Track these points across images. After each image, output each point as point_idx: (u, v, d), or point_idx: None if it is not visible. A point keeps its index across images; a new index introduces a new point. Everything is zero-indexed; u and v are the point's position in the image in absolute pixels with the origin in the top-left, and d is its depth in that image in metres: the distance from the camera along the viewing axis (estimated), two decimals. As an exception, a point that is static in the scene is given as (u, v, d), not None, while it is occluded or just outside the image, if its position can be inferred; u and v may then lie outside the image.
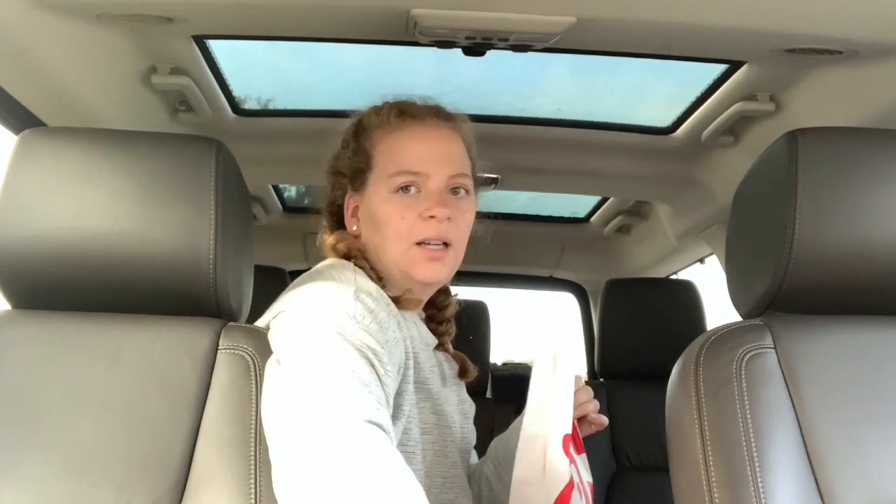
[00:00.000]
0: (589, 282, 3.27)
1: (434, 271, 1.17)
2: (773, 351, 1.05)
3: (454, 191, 1.19)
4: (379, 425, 0.93)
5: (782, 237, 1.04)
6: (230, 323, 1.09)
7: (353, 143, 1.24)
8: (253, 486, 0.95)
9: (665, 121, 1.89)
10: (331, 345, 0.99)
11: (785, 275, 1.05)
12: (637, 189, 2.33)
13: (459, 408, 1.29)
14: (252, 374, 1.02)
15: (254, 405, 1.00)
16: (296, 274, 3.20)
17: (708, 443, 1.00)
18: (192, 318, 1.08)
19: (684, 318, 2.34)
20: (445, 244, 1.17)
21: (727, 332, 1.07)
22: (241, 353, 1.04)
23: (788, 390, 1.03)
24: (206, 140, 1.09)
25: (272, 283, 2.33)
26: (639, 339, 2.33)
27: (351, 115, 1.29)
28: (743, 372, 1.03)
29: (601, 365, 2.40)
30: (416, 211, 1.16)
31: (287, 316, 1.05)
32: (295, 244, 2.79)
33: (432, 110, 1.23)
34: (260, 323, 1.12)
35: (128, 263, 1.04)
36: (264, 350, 1.04)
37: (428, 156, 1.18)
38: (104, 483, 0.97)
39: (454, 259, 1.20)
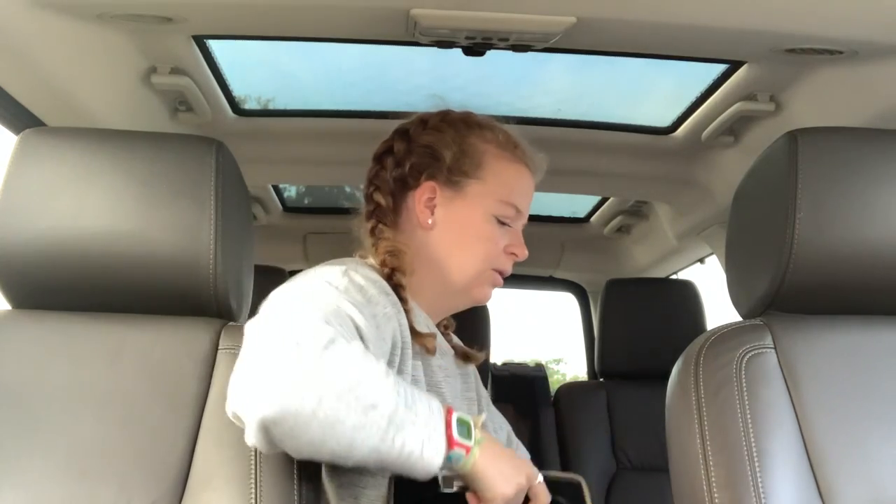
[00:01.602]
0: (589, 282, 3.27)
1: (489, 294, 1.25)
2: (773, 351, 1.05)
3: None
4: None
5: (782, 237, 1.04)
6: (230, 323, 1.09)
7: (459, 141, 1.22)
8: (253, 486, 0.95)
9: (665, 121, 1.89)
10: (303, 298, 0.95)
11: (785, 275, 1.05)
12: (637, 189, 2.33)
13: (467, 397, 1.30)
14: (252, 374, 1.02)
15: (254, 405, 1.00)
16: (296, 274, 3.19)
17: (708, 443, 1.00)
18: (192, 318, 1.08)
19: (684, 318, 2.34)
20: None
21: (727, 332, 1.07)
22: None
23: (788, 390, 1.03)
24: (206, 140, 1.09)
25: (272, 283, 2.33)
26: (639, 339, 2.33)
27: (413, 114, 1.27)
28: (743, 372, 1.03)
29: (601, 365, 2.40)
30: (504, 242, 1.22)
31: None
32: (295, 244, 2.79)
33: (535, 157, 1.27)
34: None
35: (128, 263, 1.04)
36: (264, 350, 1.04)
37: (527, 198, 1.25)
38: (104, 483, 0.97)
39: None
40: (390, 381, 0.89)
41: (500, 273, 1.23)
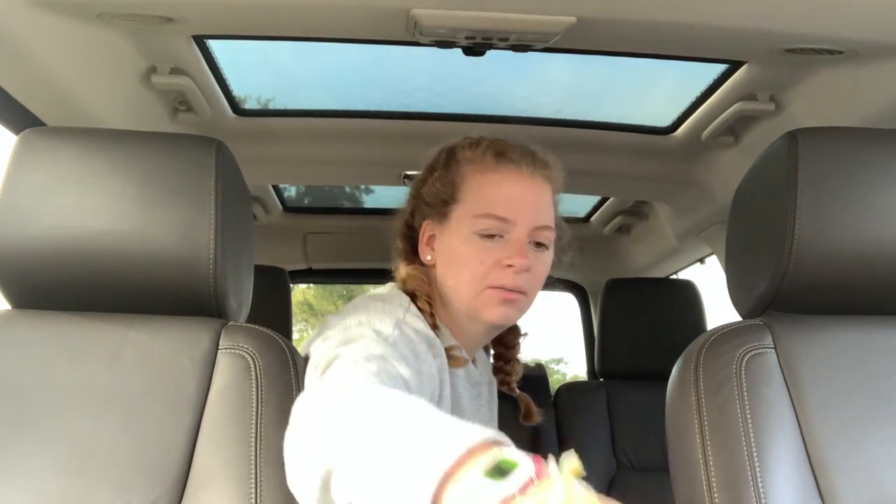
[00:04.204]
0: (589, 282, 3.27)
1: (503, 313, 1.18)
2: (773, 351, 1.05)
3: (537, 244, 1.20)
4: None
5: (782, 237, 1.04)
6: (230, 323, 1.09)
7: (441, 172, 1.22)
8: (253, 486, 0.95)
9: (665, 121, 1.89)
10: (350, 360, 0.94)
11: (785, 275, 1.05)
12: (637, 189, 2.33)
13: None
14: (252, 373, 1.02)
15: (254, 405, 1.00)
16: (296, 274, 3.19)
17: (708, 443, 1.00)
18: (192, 318, 1.08)
19: (684, 318, 2.33)
20: (520, 291, 1.18)
21: (727, 332, 1.07)
22: (241, 352, 1.04)
23: (788, 390, 1.03)
24: (206, 140, 1.09)
25: (272, 283, 2.35)
26: (639, 339, 2.32)
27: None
28: (743, 372, 1.03)
29: (601, 365, 2.40)
30: (495, 256, 1.16)
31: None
32: (295, 244, 2.79)
33: (529, 156, 1.21)
34: (305, 345, 1.13)
35: (128, 263, 1.04)
36: (264, 350, 1.04)
37: (517, 203, 1.18)
38: (104, 483, 0.97)
39: (527, 304, 1.21)
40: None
41: (503, 288, 1.16)
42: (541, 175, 1.22)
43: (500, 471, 0.64)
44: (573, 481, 0.63)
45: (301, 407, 0.81)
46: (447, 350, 1.16)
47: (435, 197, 1.21)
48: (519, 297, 1.18)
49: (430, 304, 1.18)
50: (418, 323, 1.12)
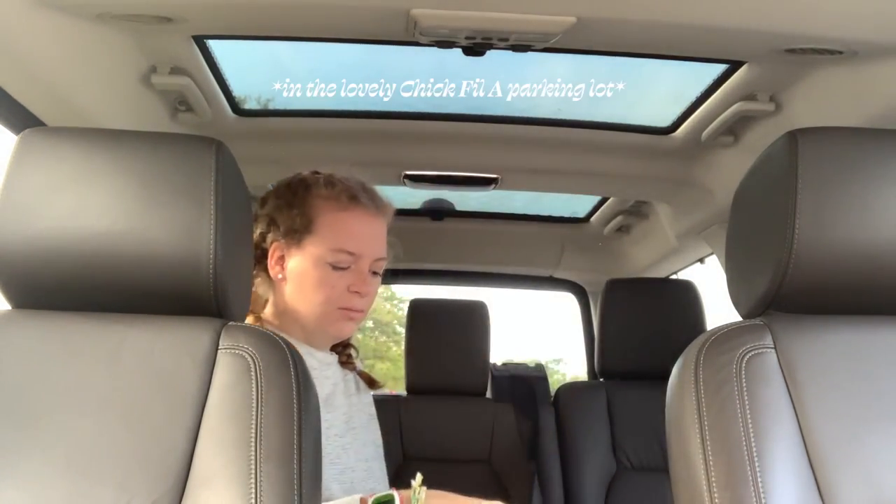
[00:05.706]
0: (589, 282, 3.27)
1: (349, 329, 1.42)
2: (773, 351, 1.05)
3: (374, 273, 1.41)
4: None
5: (782, 237, 1.04)
6: (230, 322, 1.09)
7: (296, 205, 1.39)
8: (253, 486, 0.95)
9: (665, 121, 1.89)
10: None
11: (785, 275, 1.05)
12: (637, 189, 2.33)
13: (368, 411, 1.53)
14: (252, 373, 1.02)
15: (254, 405, 1.00)
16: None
17: (708, 443, 1.00)
18: (193, 318, 1.08)
19: (684, 318, 2.34)
20: (360, 310, 1.41)
21: (727, 332, 1.07)
22: (241, 352, 1.04)
23: (788, 390, 1.03)
24: (206, 140, 1.08)
25: (272, 283, 2.35)
26: (639, 339, 2.32)
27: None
28: (743, 372, 1.03)
29: (601, 365, 2.40)
30: (345, 283, 1.37)
31: None
32: (295, 244, 2.79)
33: (372, 198, 1.42)
34: None
35: (128, 263, 1.04)
36: (265, 350, 1.04)
37: (364, 240, 1.39)
38: (104, 483, 0.97)
39: (363, 319, 1.45)
40: None
41: (349, 309, 1.38)
42: (381, 214, 1.42)
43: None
44: (421, 490, 1.12)
45: None
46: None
47: (290, 225, 1.38)
48: (360, 315, 1.41)
49: (260, 318, 1.39)
50: None
